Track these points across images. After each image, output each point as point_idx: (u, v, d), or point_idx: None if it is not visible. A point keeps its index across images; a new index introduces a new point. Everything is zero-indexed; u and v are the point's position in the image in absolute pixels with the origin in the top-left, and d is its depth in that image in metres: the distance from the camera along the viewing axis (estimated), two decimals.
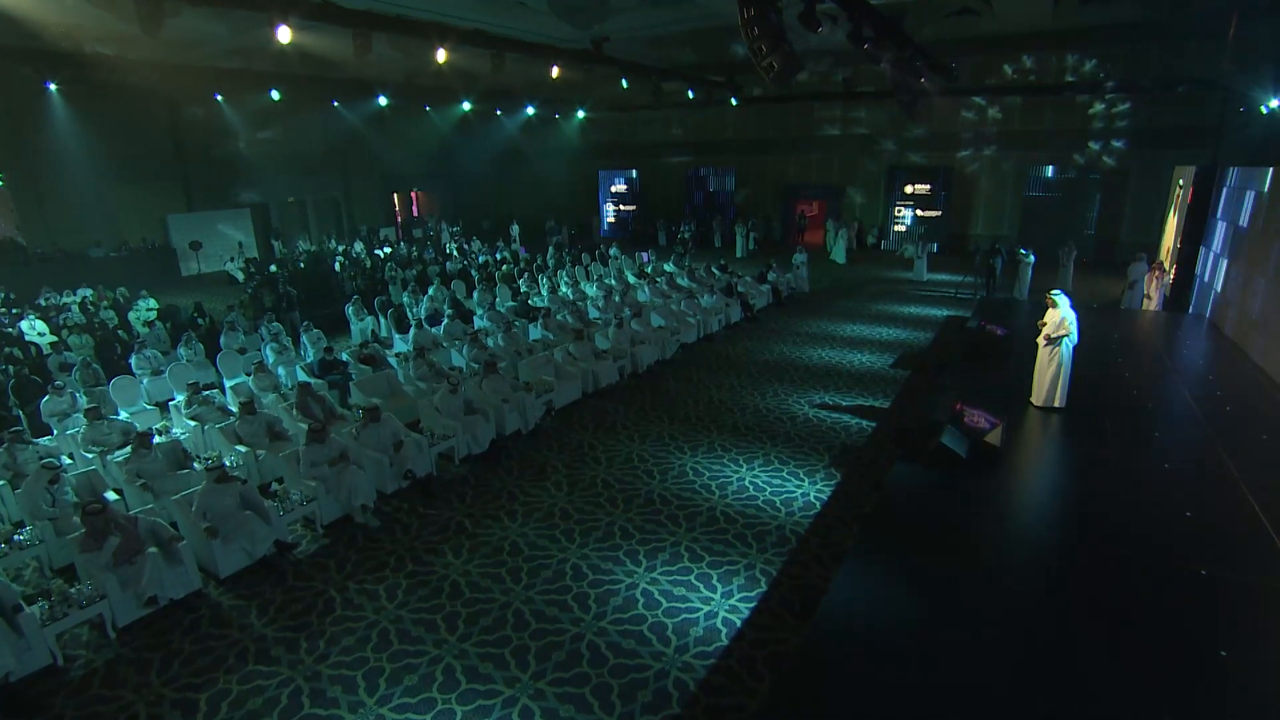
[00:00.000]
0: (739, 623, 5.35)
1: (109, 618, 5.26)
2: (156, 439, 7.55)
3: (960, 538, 5.79)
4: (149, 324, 13.24)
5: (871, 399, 10.17)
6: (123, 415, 8.90)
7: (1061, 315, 8.45)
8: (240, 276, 20.33)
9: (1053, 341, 8.46)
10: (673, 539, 6.54)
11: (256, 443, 7.90)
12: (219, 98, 20.17)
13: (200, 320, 13.49)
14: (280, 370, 10.83)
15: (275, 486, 6.82)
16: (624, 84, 19.05)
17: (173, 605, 5.55)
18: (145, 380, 10.11)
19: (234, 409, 8.63)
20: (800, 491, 7.38)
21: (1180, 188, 16.51)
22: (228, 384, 10.32)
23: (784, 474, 7.82)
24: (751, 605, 5.55)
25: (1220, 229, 13.39)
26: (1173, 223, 17.12)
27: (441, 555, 6.38)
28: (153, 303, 15.28)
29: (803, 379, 11.18)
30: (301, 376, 10.12)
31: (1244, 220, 11.01)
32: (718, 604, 5.58)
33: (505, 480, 7.85)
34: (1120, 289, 15.54)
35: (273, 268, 19.39)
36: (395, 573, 6.14)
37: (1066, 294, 8.74)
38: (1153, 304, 14.33)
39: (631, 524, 6.82)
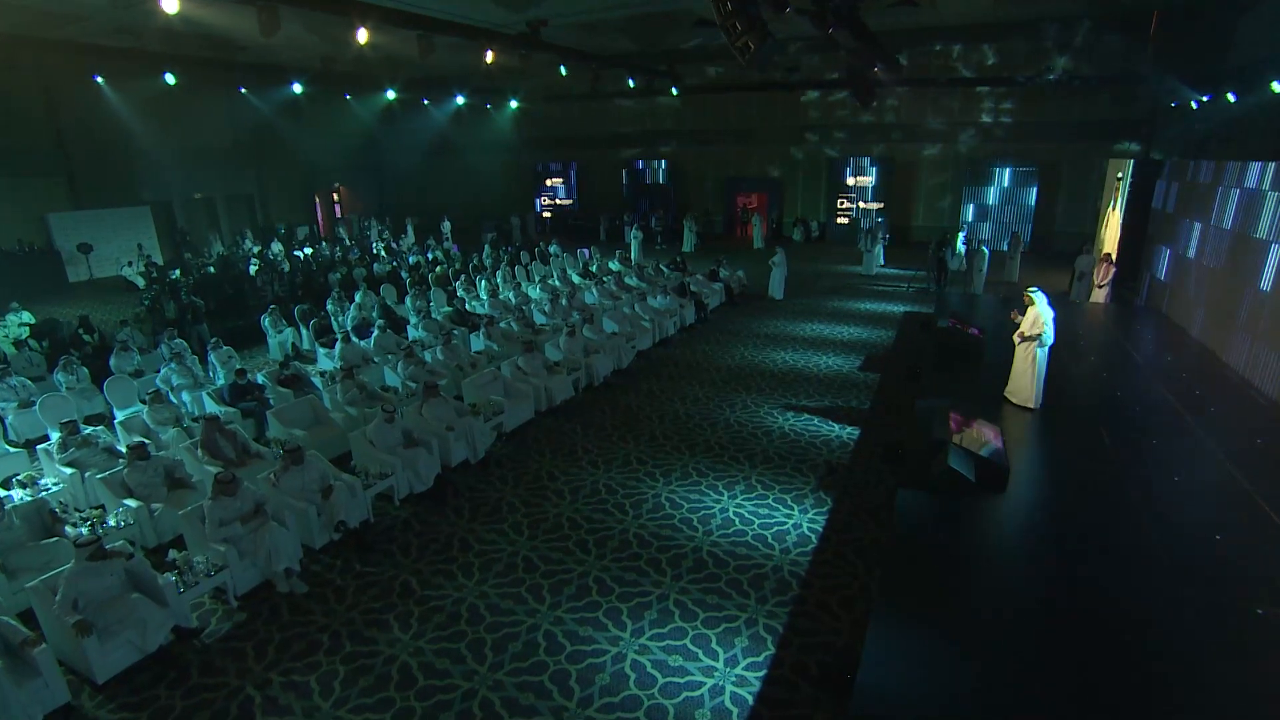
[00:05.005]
0: (750, 699, 4.55)
1: None
2: (18, 497, 6.15)
3: (990, 580, 5.18)
4: (19, 343, 11.31)
5: (847, 406, 9.58)
6: None
7: (1039, 313, 8.21)
8: (141, 283, 18.17)
9: (1028, 340, 8.22)
10: (658, 591, 5.69)
11: (151, 494, 6.58)
12: (99, 79, 17.87)
13: (86, 337, 11.68)
14: (185, 396, 9.39)
15: (174, 555, 5.56)
16: (562, 71, 17.98)
17: None
18: (9, 416, 8.50)
19: (124, 450, 7.22)
20: (791, 522, 6.65)
21: (1120, 179, 16.74)
22: (118, 417, 8.76)
23: (770, 501, 7.08)
24: (761, 674, 4.75)
25: (1181, 224, 13.42)
26: (1113, 215, 17.38)
27: (386, 629, 5.32)
28: (26, 316, 13.18)
29: (770, 386, 10.51)
30: (210, 406, 8.75)
31: (1228, 222, 10.52)
32: (722, 674, 4.76)
33: (455, 524, 6.81)
34: (1067, 280, 15.59)
35: (175, 273, 17.40)
36: (330, 656, 5.05)
37: (1044, 291, 8.49)
38: (1103, 295, 14.39)
39: (608, 574, 5.93)
